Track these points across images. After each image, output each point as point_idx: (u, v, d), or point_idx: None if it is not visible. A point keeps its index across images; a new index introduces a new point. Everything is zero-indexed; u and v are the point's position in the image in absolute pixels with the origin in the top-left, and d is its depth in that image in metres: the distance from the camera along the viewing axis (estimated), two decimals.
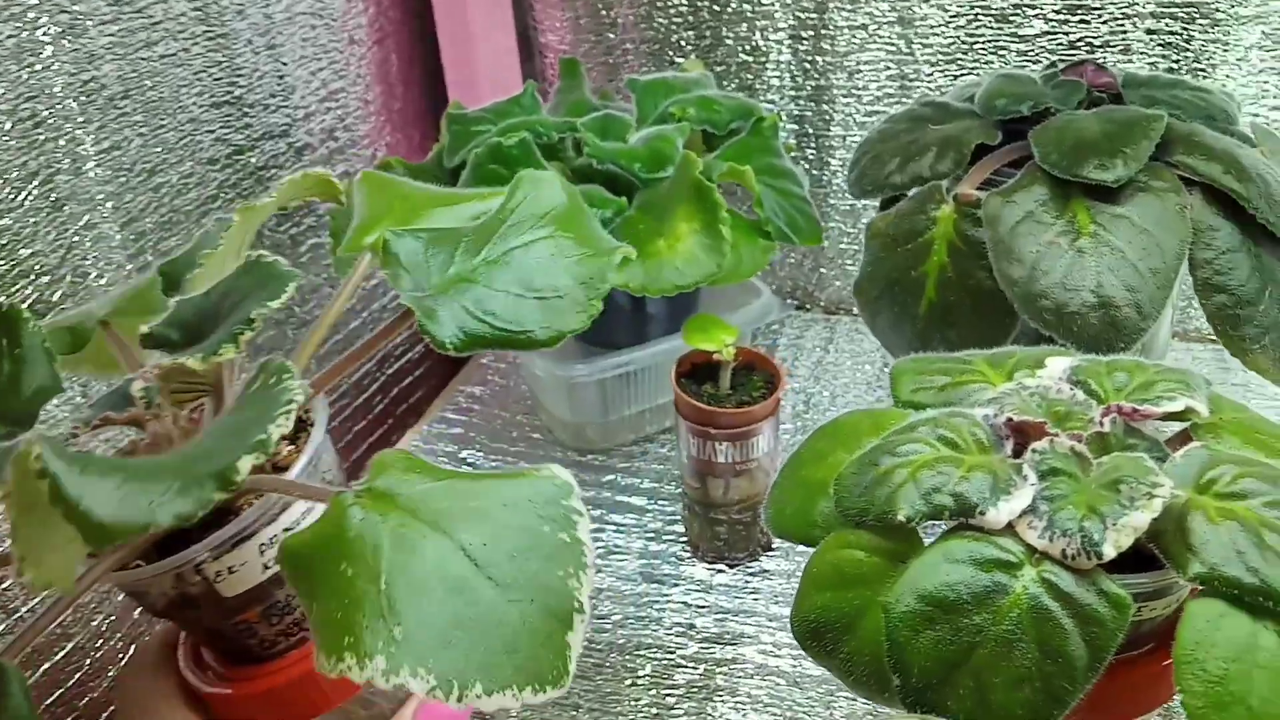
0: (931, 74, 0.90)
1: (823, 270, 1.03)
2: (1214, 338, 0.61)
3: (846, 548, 0.45)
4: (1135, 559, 0.41)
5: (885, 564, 0.44)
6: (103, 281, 0.75)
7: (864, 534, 0.45)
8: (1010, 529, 0.42)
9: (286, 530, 0.50)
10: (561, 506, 0.41)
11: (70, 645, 0.71)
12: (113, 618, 0.74)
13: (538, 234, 0.54)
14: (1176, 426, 0.48)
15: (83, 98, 0.71)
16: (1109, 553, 0.39)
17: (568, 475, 0.42)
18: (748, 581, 0.73)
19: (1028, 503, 0.42)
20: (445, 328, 0.48)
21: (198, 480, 0.36)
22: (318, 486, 0.48)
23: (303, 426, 0.59)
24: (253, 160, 0.87)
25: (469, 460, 0.89)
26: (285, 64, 0.89)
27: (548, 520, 0.40)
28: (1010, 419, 0.45)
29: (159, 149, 0.78)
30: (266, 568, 0.50)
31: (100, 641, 0.73)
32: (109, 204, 0.75)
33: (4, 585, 0.66)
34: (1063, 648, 0.39)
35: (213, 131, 0.83)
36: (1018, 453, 0.45)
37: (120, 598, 0.74)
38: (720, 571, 0.75)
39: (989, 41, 0.87)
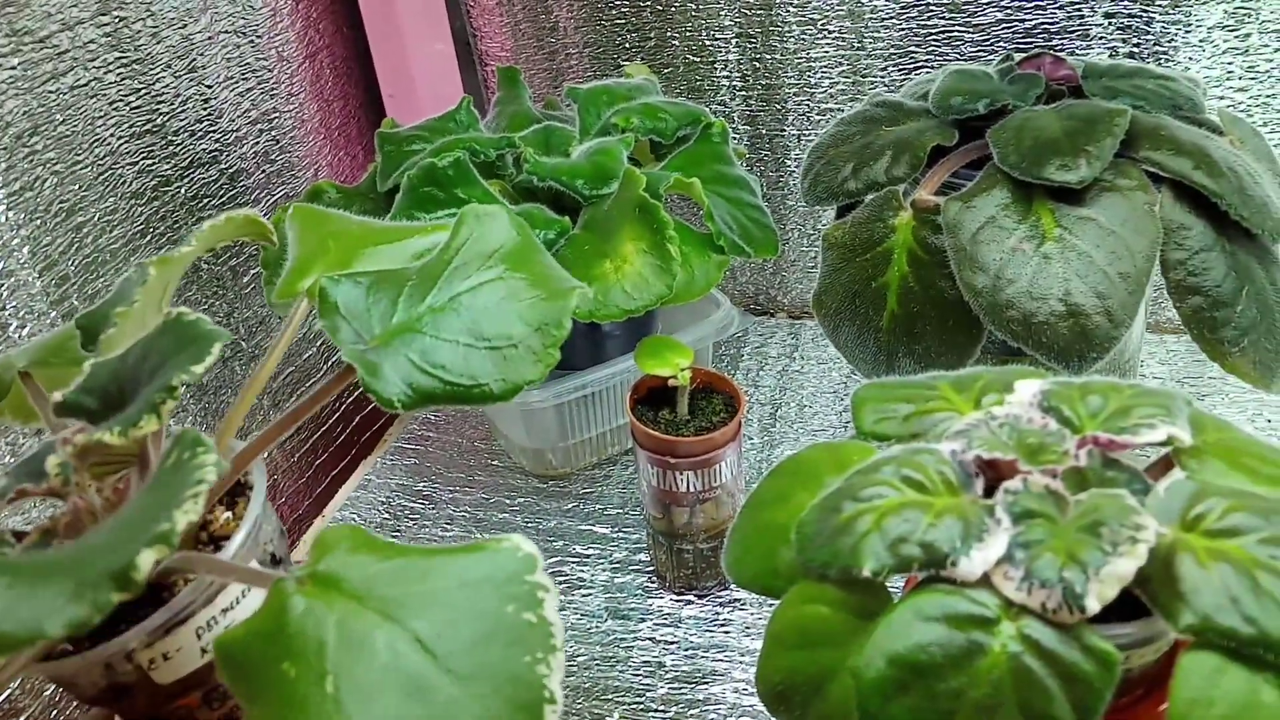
0: (885, 68, 0.86)
1: (784, 274, 0.99)
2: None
3: (811, 602, 0.42)
4: (1120, 601, 0.38)
5: (853, 621, 0.41)
6: (25, 332, 0.71)
7: (829, 588, 0.41)
8: (985, 580, 0.39)
9: (225, 610, 0.47)
10: (525, 583, 0.37)
11: (23, 718, 0.67)
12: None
13: (486, 275, 0.50)
14: (1157, 449, 0.45)
15: None
16: (1093, 606, 0.36)
17: (531, 546, 0.39)
18: (718, 613, 0.70)
19: (1002, 551, 0.39)
20: (391, 384, 0.45)
21: (92, 582, 0.33)
22: (257, 571, 0.45)
23: (242, 490, 0.55)
24: (182, 191, 0.83)
25: (425, 492, 0.85)
26: (209, 86, 0.84)
27: (510, 599, 0.37)
28: (979, 456, 0.42)
29: (76, 186, 0.74)
30: (205, 651, 0.46)
31: (55, 712, 0.69)
32: (25, 249, 0.70)
33: None
34: (1047, 711, 0.36)
35: (135, 164, 0.78)
36: (989, 491, 0.42)
37: None
38: (689, 603, 0.71)
39: (942, 33, 0.83)
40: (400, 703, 0.35)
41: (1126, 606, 0.39)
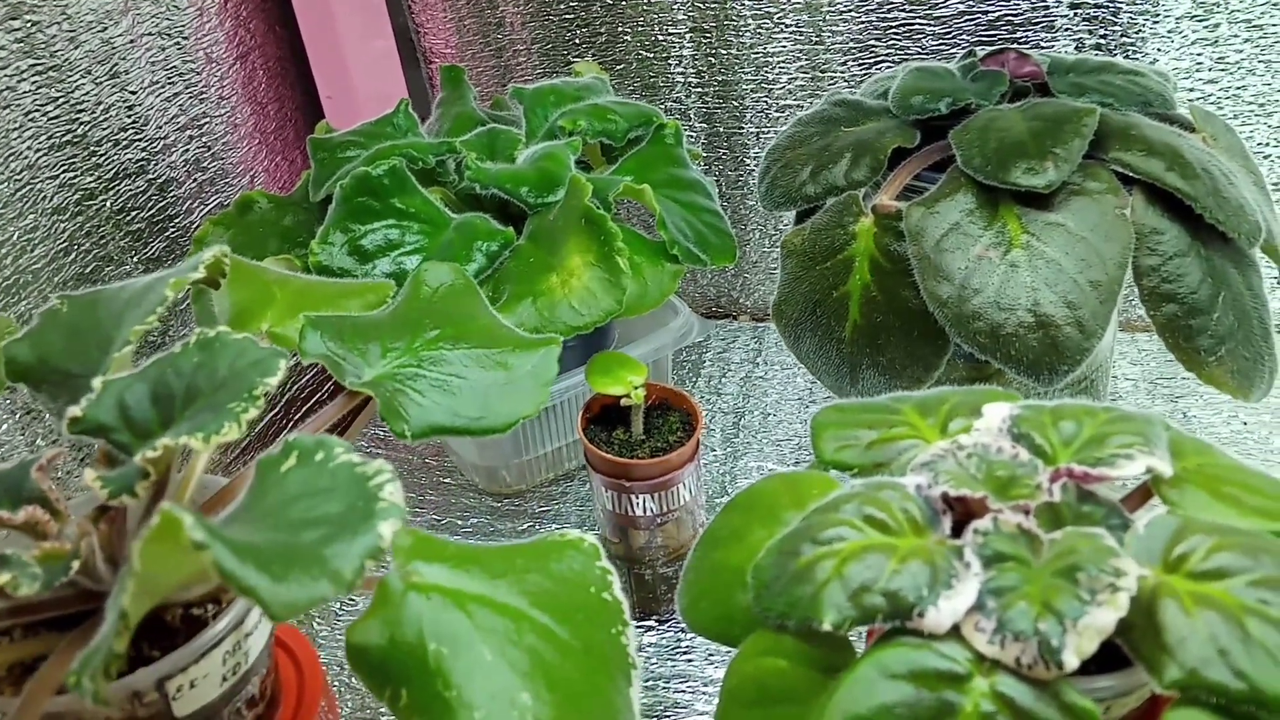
0: (845, 63, 0.83)
1: (746, 276, 0.96)
2: None
3: (768, 655, 0.39)
4: (1099, 648, 0.35)
5: (814, 676, 0.38)
6: None
7: (787, 639, 0.38)
8: (955, 631, 0.36)
9: (247, 635, 0.46)
10: (598, 568, 0.42)
11: None
12: None
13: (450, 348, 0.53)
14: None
15: None
16: (1071, 662, 0.33)
17: (592, 537, 0.43)
18: (679, 640, 0.67)
19: (973, 599, 0.36)
20: (406, 416, 0.48)
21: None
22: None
23: None
24: (108, 204, 0.78)
25: None
26: (133, 93, 0.80)
27: (590, 582, 0.41)
28: (946, 492, 0.39)
29: None
30: (225, 679, 0.46)
31: None
32: None
33: None
34: None
35: (55, 177, 0.74)
36: (958, 529, 0.39)
37: None
38: (649, 629, 0.68)
39: (903, 25, 0.80)
40: (519, 665, 0.38)
41: (1105, 649, 0.36)
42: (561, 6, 0.89)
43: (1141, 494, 0.42)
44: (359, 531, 0.34)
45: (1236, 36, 0.74)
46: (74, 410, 0.43)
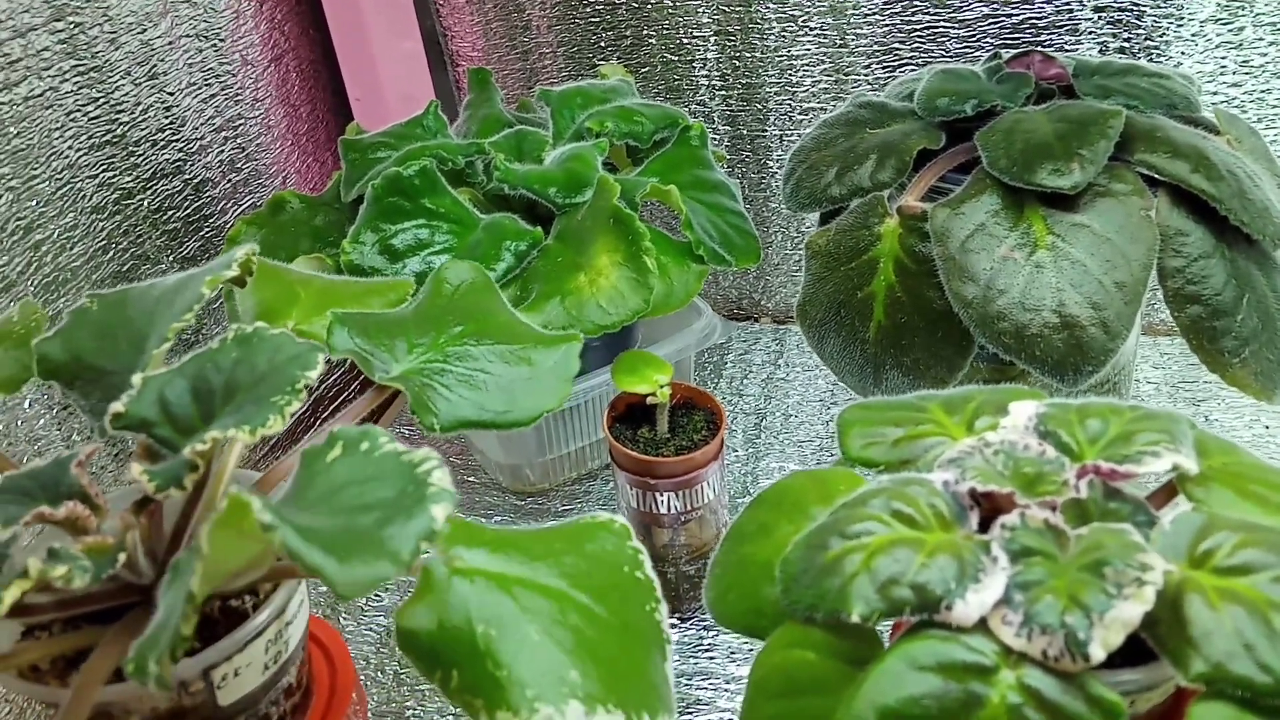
0: (869, 66, 0.84)
1: (768, 278, 0.97)
2: None
3: (796, 647, 0.39)
4: (1125, 643, 0.36)
5: (842, 668, 0.38)
6: None
7: (815, 631, 0.39)
8: (982, 624, 0.36)
9: (288, 624, 0.47)
10: (630, 548, 0.43)
11: None
12: None
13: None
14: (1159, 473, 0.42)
15: None
16: (1097, 654, 0.34)
17: (621, 519, 0.44)
18: (702, 638, 0.68)
19: (1000, 593, 0.36)
20: (435, 410, 0.48)
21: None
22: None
23: None
24: (145, 203, 0.80)
25: None
26: (171, 94, 0.81)
27: (623, 562, 0.42)
28: (974, 488, 0.40)
29: (33, 202, 0.71)
30: (267, 668, 0.47)
31: None
32: None
33: None
34: None
35: (95, 176, 0.75)
36: (985, 525, 0.40)
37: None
38: (672, 627, 0.69)
39: (926, 29, 0.81)
40: (565, 644, 0.38)
41: (1131, 645, 0.37)
42: (587, 10, 0.90)
43: (1167, 491, 0.42)
44: (413, 514, 0.35)
45: (1261, 40, 0.75)
46: (117, 406, 0.44)
